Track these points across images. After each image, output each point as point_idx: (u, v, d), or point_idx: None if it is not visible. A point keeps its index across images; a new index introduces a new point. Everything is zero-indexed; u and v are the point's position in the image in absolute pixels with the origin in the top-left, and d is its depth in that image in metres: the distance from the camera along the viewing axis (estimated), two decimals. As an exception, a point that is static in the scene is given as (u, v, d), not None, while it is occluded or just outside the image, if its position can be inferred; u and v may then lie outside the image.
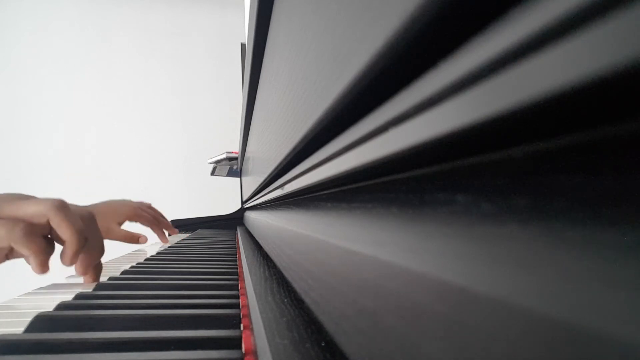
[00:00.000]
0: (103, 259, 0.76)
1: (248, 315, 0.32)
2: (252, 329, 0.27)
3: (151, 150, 2.53)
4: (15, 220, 0.46)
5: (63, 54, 2.43)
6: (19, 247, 0.46)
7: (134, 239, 0.97)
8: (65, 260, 0.49)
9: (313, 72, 0.23)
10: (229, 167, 1.64)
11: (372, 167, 0.15)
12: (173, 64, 2.57)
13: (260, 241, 0.61)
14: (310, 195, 0.34)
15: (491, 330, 0.07)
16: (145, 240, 0.99)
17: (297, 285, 0.26)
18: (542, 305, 0.06)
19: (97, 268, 0.55)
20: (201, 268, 0.60)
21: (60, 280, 0.57)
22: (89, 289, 0.49)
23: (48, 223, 0.48)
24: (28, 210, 0.48)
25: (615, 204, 0.06)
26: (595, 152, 0.07)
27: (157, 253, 0.77)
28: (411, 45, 0.11)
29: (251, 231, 0.90)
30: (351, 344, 0.15)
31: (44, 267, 0.48)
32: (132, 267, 0.60)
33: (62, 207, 0.48)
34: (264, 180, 0.58)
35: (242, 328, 0.32)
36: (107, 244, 0.91)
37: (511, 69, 0.07)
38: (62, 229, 0.48)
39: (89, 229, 0.51)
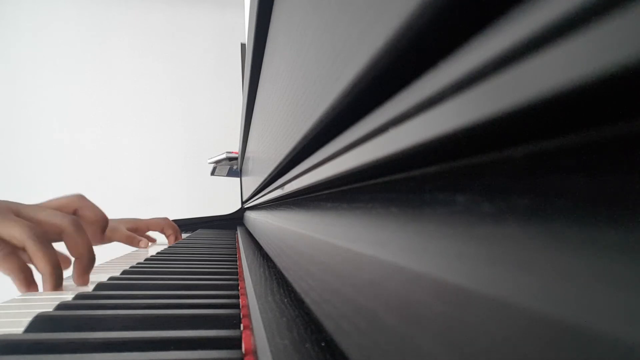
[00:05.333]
0: (106, 258, 0.77)
1: (248, 315, 0.32)
2: (252, 329, 0.27)
3: (151, 150, 2.53)
4: None
5: (63, 54, 2.43)
6: None
7: (135, 241, 0.99)
8: (46, 289, 0.50)
9: (313, 72, 0.23)
10: (229, 167, 1.64)
11: (372, 167, 0.15)
12: (173, 64, 2.57)
13: (260, 241, 0.61)
14: (310, 195, 0.34)
15: (491, 330, 0.07)
16: (146, 245, 1.01)
17: (297, 285, 0.26)
18: (542, 305, 0.06)
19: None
20: (201, 268, 0.60)
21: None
22: (89, 289, 0.49)
23: (22, 248, 0.49)
24: (3, 232, 0.48)
25: (615, 204, 0.06)
26: (595, 152, 0.07)
27: (157, 253, 0.77)
28: (411, 45, 0.11)
29: (251, 231, 0.90)
30: (351, 344, 0.15)
31: (28, 286, 0.50)
32: (132, 267, 0.60)
33: (39, 239, 0.49)
34: (264, 180, 0.58)
35: (242, 328, 0.32)
36: (110, 245, 0.92)
37: (511, 69, 0.07)
38: (37, 261, 0.48)
39: (73, 240, 0.52)
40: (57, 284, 0.49)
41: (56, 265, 0.49)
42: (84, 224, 0.69)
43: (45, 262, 0.48)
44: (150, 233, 1.14)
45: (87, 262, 0.53)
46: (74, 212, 0.69)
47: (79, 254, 0.53)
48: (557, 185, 0.08)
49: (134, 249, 1.00)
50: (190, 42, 2.59)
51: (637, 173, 0.06)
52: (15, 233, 0.48)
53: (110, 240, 0.96)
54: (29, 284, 0.50)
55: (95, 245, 0.84)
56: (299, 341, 0.21)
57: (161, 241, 1.19)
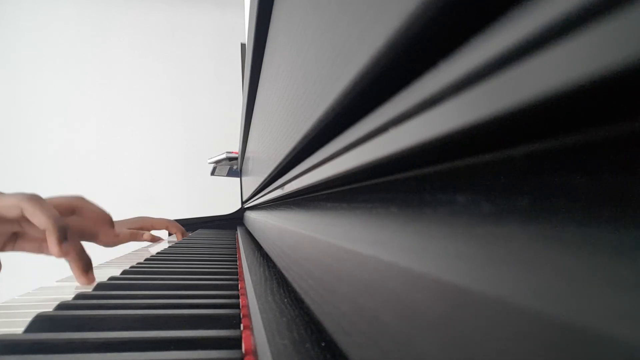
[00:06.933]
0: (106, 259, 0.77)
1: (248, 315, 0.32)
2: (252, 329, 0.27)
3: (151, 150, 2.53)
4: None
5: (62, 54, 2.43)
6: None
7: (138, 235, 1.03)
8: (52, 248, 0.49)
9: (313, 72, 0.23)
10: (229, 167, 1.64)
11: (372, 167, 0.15)
12: (173, 64, 2.57)
13: (260, 241, 0.61)
14: (310, 195, 0.34)
15: (491, 330, 0.07)
16: (149, 237, 1.04)
17: (297, 285, 0.26)
18: (542, 305, 0.06)
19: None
20: (201, 268, 0.60)
21: (60, 281, 0.57)
22: (89, 288, 0.49)
23: (21, 216, 0.49)
24: (0, 203, 0.48)
25: (615, 204, 0.06)
26: (595, 152, 0.07)
27: (157, 253, 0.77)
28: (411, 45, 0.11)
29: (251, 231, 0.90)
30: (351, 344, 0.15)
31: None
32: (132, 267, 0.60)
33: (34, 197, 0.49)
34: (264, 180, 0.58)
35: (242, 328, 0.32)
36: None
37: (511, 69, 0.07)
38: (36, 217, 0.48)
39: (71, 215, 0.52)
40: (62, 236, 0.48)
41: (57, 218, 0.49)
42: (90, 223, 0.70)
43: (45, 216, 0.48)
44: (155, 232, 1.17)
45: (83, 263, 0.52)
46: (72, 212, 0.68)
47: (68, 255, 0.51)
48: (557, 185, 0.08)
49: (134, 248, 1.00)
50: (190, 42, 2.59)
51: (637, 173, 0.06)
52: (8, 201, 0.48)
53: (115, 244, 0.98)
54: None
55: (111, 244, 0.84)
56: (299, 341, 0.21)
57: (168, 239, 1.21)
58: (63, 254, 0.49)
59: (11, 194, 0.50)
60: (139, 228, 1.08)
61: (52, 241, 0.48)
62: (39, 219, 0.48)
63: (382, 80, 0.14)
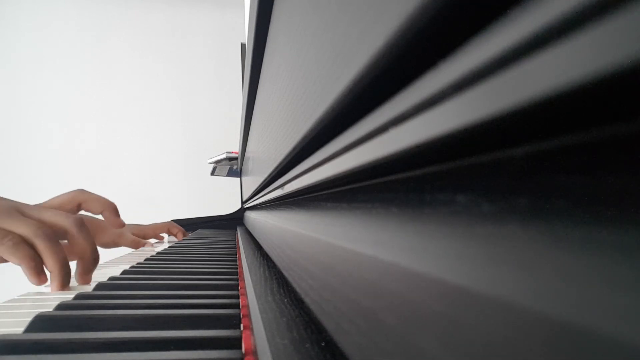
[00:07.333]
0: (106, 258, 0.78)
1: (248, 315, 0.32)
2: (252, 329, 0.27)
3: (151, 150, 2.53)
4: (5, 232, 0.47)
5: (62, 54, 2.43)
6: (8, 257, 0.47)
7: (140, 244, 1.04)
8: (53, 289, 0.50)
9: (313, 72, 0.23)
10: (229, 167, 1.64)
11: (372, 167, 0.15)
12: (173, 64, 2.57)
13: (260, 241, 0.61)
14: (310, 195, 0.34)
15: (491, 330, 0.07)
16: (151, 244, 1.06)
17: (297, 285, 0.26)
18: (542, 305, 0.06)
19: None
20: (201, 268, 0.60)
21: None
22: (89, 288, 0.49)
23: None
24: (19, 228, 0.49)
25: (615, 204, 0.06)
26: (595, 152, 0.07)
27: (158, 253, 0.77)
28: (411, 45, 0.11)
29: (251, 231, 0.90)
30: (351, 344, 0.15)
31: (39, 276, 0.49)
32: (132, 267, 0.60)
33: (49, 238, 0.49)
34: (264, 180, 0.58)
35: (242, 328, 0.32)
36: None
37: (511, 69, 0.07)
38: (46, 258, 0.49)
39: (76, 239, 0.53)
40: (65, 281, 0.50)
41: (65, 263, 0.50)
42: (95, 218, 0.70)
43: (54, 259, 0.48)
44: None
45: (90, 262, 0.53)
46: (78, 207, 0.69)
47: (83, 253, 0.53)
48: (557, 185, 0.08)
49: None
50: (190, 42, 2.59)
51: (637, 173, 0.06)
52: (24, 231, 0.49)
53: (117, 245, 0.99)
54: (39, 273, 0.50)
55: (112, 243, 0.85)
56: (299, 341, 0.21)
57: (167, 239, 1.22)
58: (62, 289, 0.50)
59: (30, 223, 0.49)
60: (142, 235, 1.11)
61: (54, 285, 0.49)
62: (48, 261, 0.49)
63: (382, 80, 0.14)
